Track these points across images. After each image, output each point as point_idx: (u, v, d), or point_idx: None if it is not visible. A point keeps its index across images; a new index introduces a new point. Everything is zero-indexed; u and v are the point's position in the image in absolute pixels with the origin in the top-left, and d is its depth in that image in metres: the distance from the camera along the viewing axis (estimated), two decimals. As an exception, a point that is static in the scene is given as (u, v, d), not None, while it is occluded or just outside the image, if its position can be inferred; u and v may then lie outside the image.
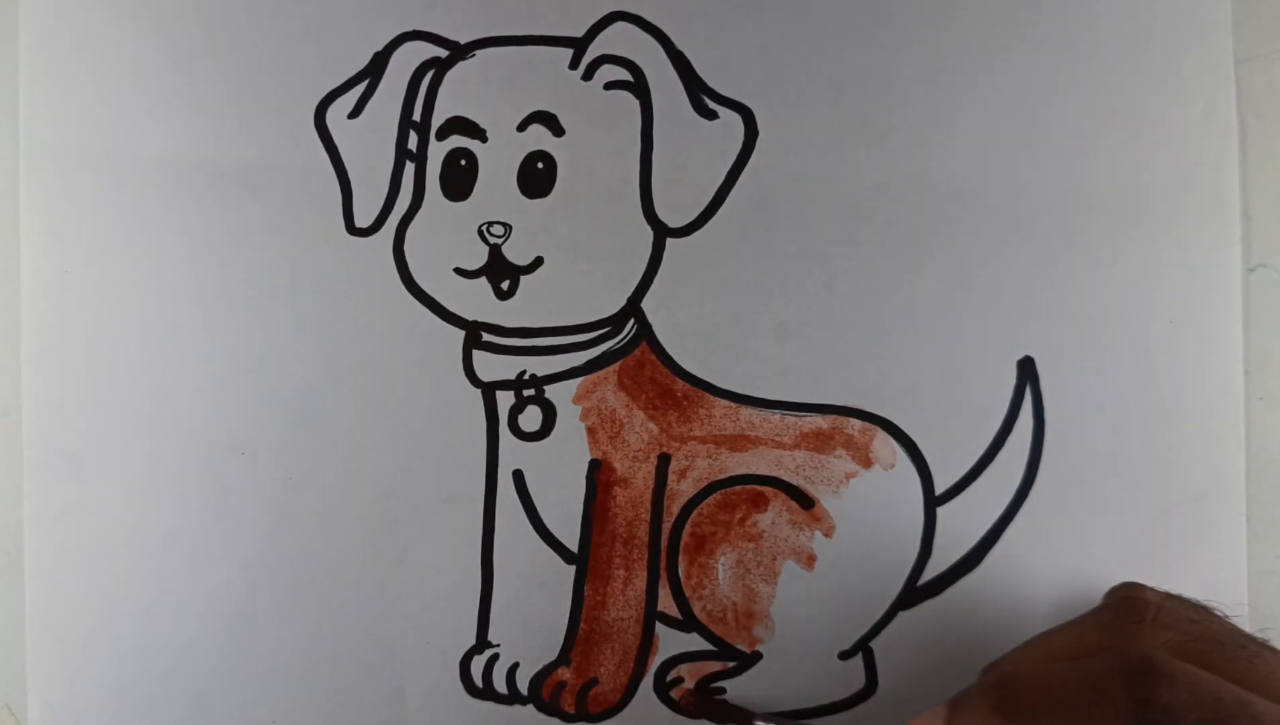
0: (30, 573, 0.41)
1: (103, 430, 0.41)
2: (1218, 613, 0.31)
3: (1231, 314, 0.41)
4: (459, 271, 0.41)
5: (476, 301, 0.41)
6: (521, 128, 0.41)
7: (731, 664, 0.41)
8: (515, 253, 0.41)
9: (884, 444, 0.41)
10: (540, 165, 0.41)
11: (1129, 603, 0.30)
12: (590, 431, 0.41)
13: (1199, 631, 0.29)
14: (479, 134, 0.41)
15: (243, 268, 0.41)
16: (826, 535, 0.41)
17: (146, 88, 0.41)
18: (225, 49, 0.41)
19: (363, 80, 0.41)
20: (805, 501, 0.41)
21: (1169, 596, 0.31)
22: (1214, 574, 0.40)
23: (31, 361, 0.41)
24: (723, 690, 0.41)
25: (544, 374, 0.41)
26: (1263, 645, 0.29)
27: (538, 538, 0.41)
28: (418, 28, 0.41)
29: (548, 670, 0.41)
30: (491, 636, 0.41)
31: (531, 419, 0.41)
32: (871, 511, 0.41)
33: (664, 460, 0.41)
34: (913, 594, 0.41)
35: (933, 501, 0.41)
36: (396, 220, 0.41)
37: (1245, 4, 0.41)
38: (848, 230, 0.41)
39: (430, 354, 0.41)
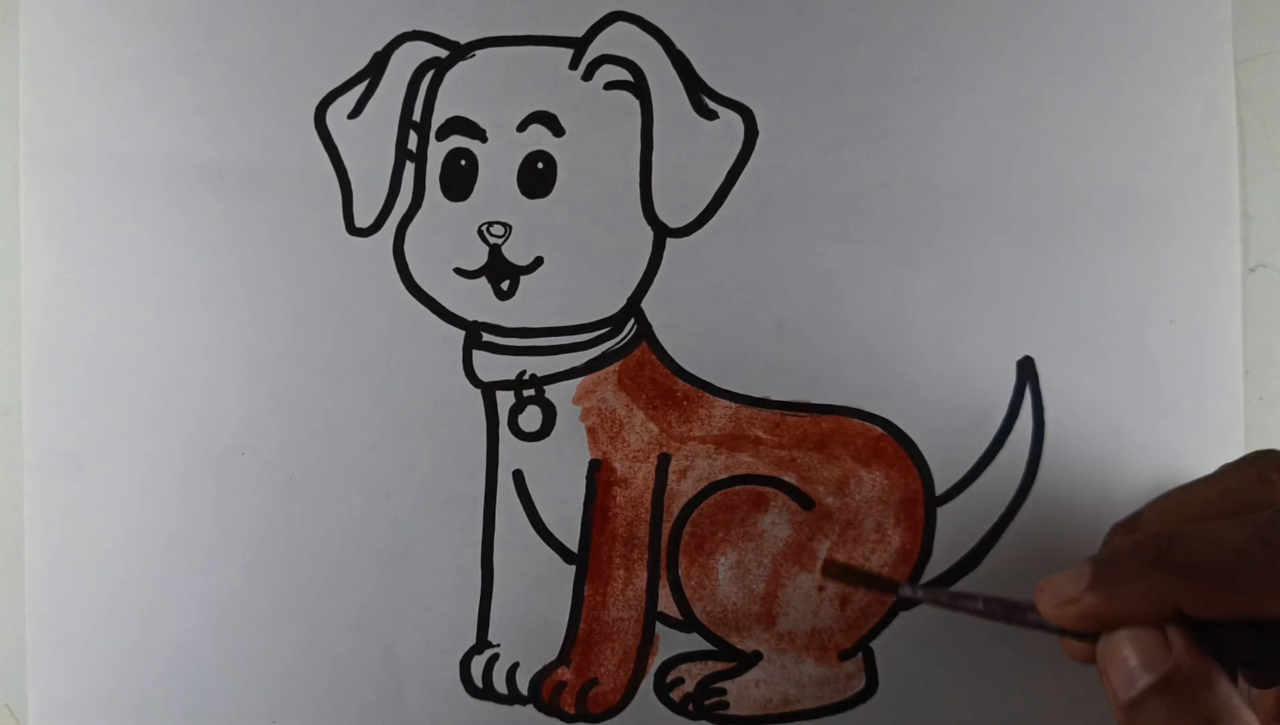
0: (30, 573, 0.41)
1: (103, 430, 0.41)
2: None
3: (1231, 314, 0.41)
4: (459, 271, 0.41)
5: (476, 301, 0.41)
6: (521, 128, 0.41)
7: (732, 664, 0.41)
8: (515, 253, 0.41)
9: (884, 444, 0.41)
10: (540, 165, 0.41)
11: (1263, 457, 0.31)
12: (590, 431, 0.41)
13: None
14: (479, 134, 0.41)
15: (243, 268, 0.41)
16: (826, 535, 0.41)
17: (147, 88, 0.41)
18: (225, 49, 0.41)
19: (363, 80, 0.41)
20: (805, 501, 0.41)
21: None
22: (1214, 574, 0.40)
23: (32, 361, 0.41)
24: (723, 691, 0.41)
25: (544, 374, 0.41)
26: None
27: (538, 538, 0.41)
28: (418, 28, 0.41)
29: (548, 670, 0.41)
30: (491, 636, 0.41)
31: (531, 419, 0.41)
32: (871, 511, 0.41)
33: (664, 460, 0.41)
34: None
35: (933, 501, 0.41)
36: (396, 220, 0.41)
37: (1245, 4, 0.41)
38: (848, 230, 0.41)
39: (430, 354, 0.41)
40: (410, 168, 0.41)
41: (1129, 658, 0.28)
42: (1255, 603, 0.27)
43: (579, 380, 0.41)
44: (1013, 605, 0.32)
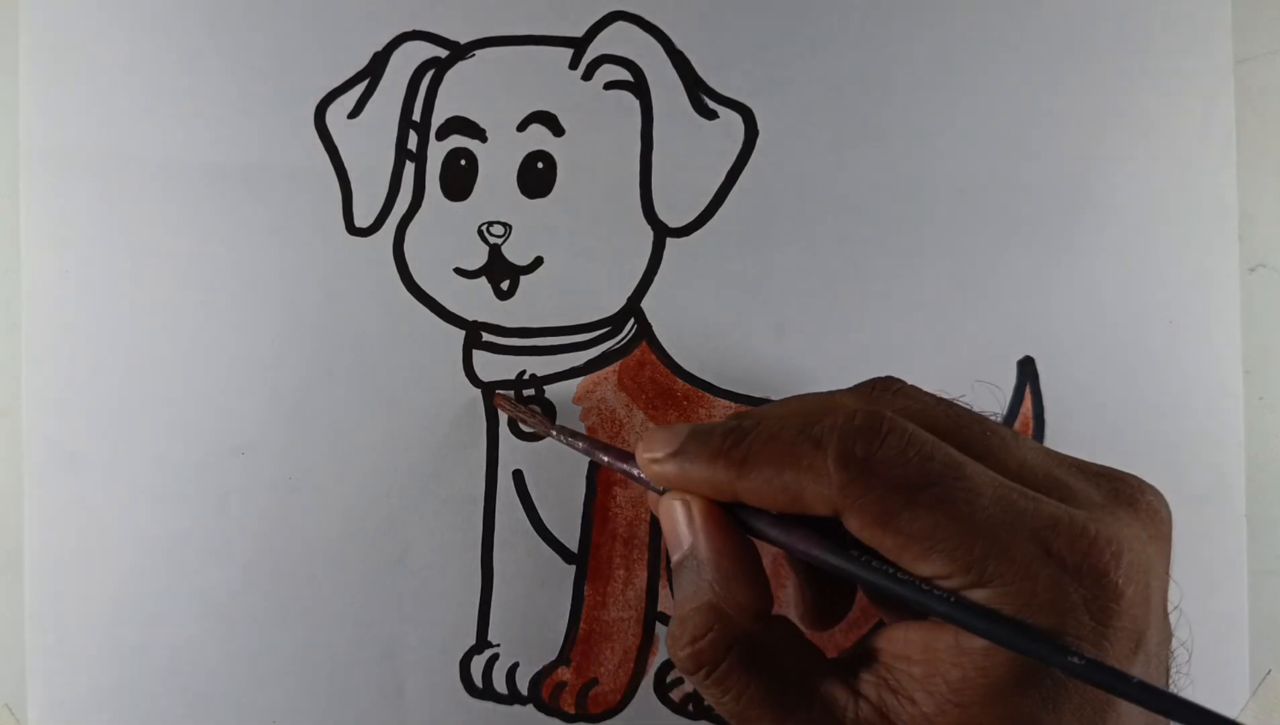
0: (30, 573, 0.41)
1: (103, 430, 0.41)
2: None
3: (1231, 314, 0.41)
4: (459, 271, 0.41)
5: (476, 301, 0.41)
6: (521, 128, 0.41)
7: (731, 664, 0.41)
8: (515, 253, 0.41)
9: (884, 444, 0.41)
10: (540, 165, 0.41)
11: (881, 380, 0.30)
12: (590, 431, 0.41)
13: (943, 407, 0.28)
14: (479, 134, 0.41)
15: (243, 268, 0.41)
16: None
17: (146, 88, 0.41)
18: (225, 49, 0.41)
19: (363, 80, 0.41)
20: (805, 501, 0.41)
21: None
22: (1214, 574, 0.40)
23: (31, 361, 0.41)
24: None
25: (544, 374, 0.41)
26: (1004, 427, 0.28)
27: (538, 538, 0.41)
28: (418, 28, 0.41)
29: (548, 670, 0.41)
30: (491, 636, 0.41)
31: (531, 419, 0.41)
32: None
33: (664, 460, 0.41)
34: (913, 594, 0.41)
35: (933, 501, 0.41)
36: (396, 220, 0.41)
37: (1245, 4, 0.41)
38: (848, 230, 0.41)
39: (430, 354, 0.41)
40: (410, 167, 0.41)
41: (669, 524, 0.29)
42: (796, 500, 0.26)
43: (579, 380, 0.41)
44: (619, 452, 0.33)
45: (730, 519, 0.28)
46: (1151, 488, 0.28)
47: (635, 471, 0.31)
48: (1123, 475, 0.28)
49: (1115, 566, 0.24)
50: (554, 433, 0.37)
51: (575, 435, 0.36)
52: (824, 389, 0.41)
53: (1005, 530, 0.24)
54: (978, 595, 0.24)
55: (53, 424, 0.41)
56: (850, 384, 0.41)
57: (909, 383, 0.30)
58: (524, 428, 0.40)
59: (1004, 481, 0.25)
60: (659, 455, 0.29)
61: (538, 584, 0.41)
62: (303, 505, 0.41)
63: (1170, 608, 0.28)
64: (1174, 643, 0.28)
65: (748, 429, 0.28)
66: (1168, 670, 0.27)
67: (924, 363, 0.41)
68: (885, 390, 0.29)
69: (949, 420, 0.27)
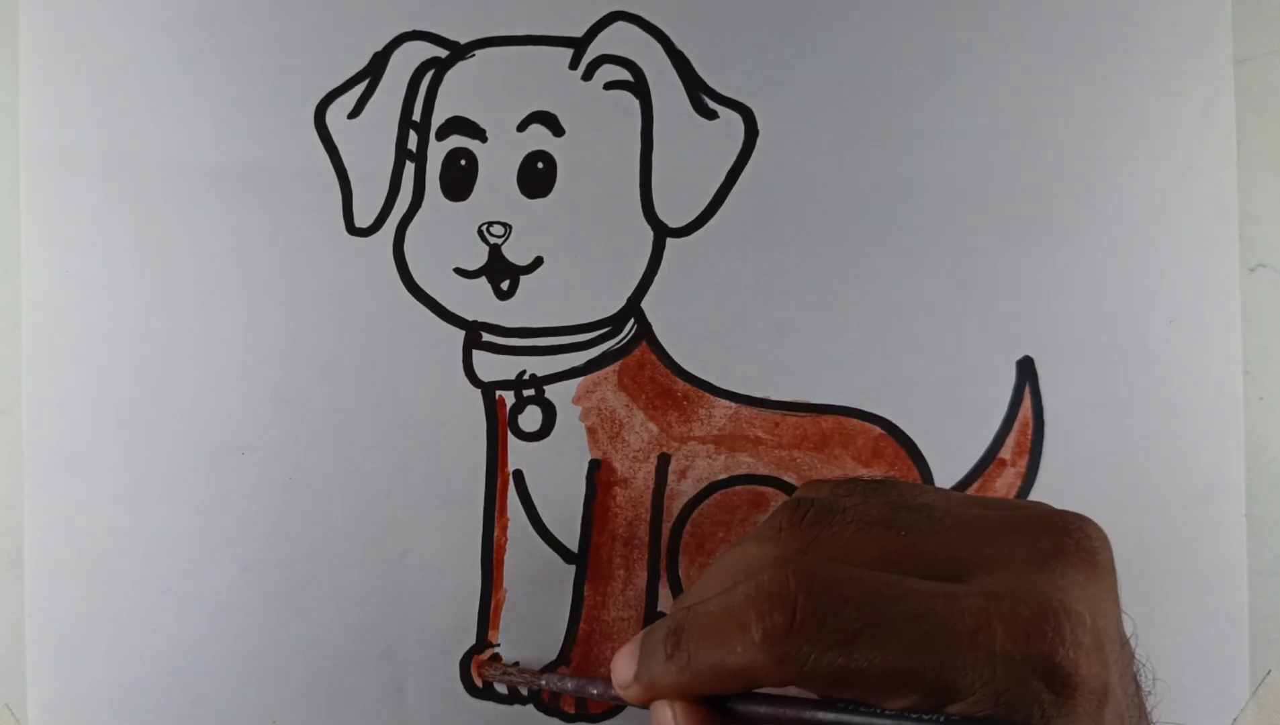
0: (30, 573, 0.41)
1: (103, 430, 0.41)
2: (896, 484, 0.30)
3: (1231, 314, 0.41)
4: (459, 271, 0.41)
5: (476, 301, 0.41)
6: (521, 128, 0.41)
7: (731, 664, 0.41)
8: (515, 253, 0.41)
9: (884, 444, 0.41)
10: (540, 165, 0.41)
11: (787, 507, 0.29)
12: (590, 431, 0.41)
13: (855, 516, 0.28)
14: (479, 134, 0.41)
15: (243, 268, 0.41)
16: (826, 535, 0.41)
17: (146, 88, 0.41)
18: (225, 49, 0.41)
19: (363, 80, 0.41)
20: (805, 501, 0.41)
21: (837, 485, 0.30)
22: (1214, 574, 0.40)
23: (31, 361, 0.41)
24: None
25: (544, 374, 0.41)
26: (920, 501, 0.28)
27: (538, 538, 0.41)
28: (418, 27, 0.41)
29: (548, 670, 0.41)
30: (491, 636, 0.41)
31: (531, 419, 0.41)
32: (871, 511, 0.41)
33: (664, 460, 0.41)
34: (913, 594, 0.41)
35: (933, 501, 0.41)
36: (396, 220, 0.41)
37: (1245, 4, 0.41)
38: (848, 230, 0.41)
39: (430, 354, 0.41)
40: (410, 168, 0.41)
41: None
42: (750, 683, 0.26)
43: (579, 380, 0.41)
44: (607, 682, 0.33)
45: (712, 713, 0.28)
46: (1078, 520, 0.28)
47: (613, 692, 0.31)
48: (1045, 519, 0.28)
49: (1060, 642, 0.24)
50: (542, 684, 0.39)
51: (562, 678, 0.37)
52: (824, 389, 0.41)
53: (946, 645, 0.24)
54: (952, 709, 0.24)
55: (53, 424, 0.41)
56: (850, 382, 0.41)
57: (813, 487, 0.29)
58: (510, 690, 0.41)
59: (927, 589, 0.25)
60: (627, 682, 0.29)
61: (538, 584, 0.41)
62: (303, 505, 0.41)
63: (1128, 633, 0.27)
64: (1135, 664, 0.27)
65: (681, 625, 0.28)
66: (1136, 699, 0.27)
67: (924, 363, 0.41)
68: (794, 523, 0.28)
69: (861, 533, 0.27)
